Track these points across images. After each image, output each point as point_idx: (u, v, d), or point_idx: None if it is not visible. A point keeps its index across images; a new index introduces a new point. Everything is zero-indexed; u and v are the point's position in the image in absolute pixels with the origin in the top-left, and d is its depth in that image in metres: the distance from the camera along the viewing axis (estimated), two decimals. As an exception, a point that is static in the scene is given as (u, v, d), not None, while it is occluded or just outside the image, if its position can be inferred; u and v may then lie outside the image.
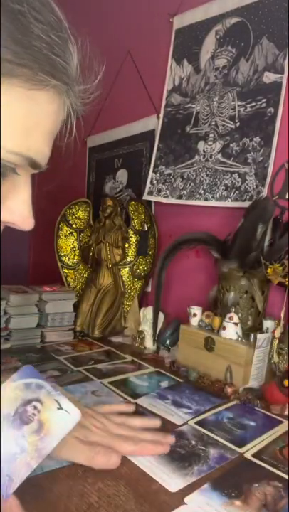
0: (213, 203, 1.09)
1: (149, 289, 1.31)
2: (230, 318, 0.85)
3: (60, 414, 0.42)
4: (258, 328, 0.89)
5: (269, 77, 0.99)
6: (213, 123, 1.11)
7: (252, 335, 0.82)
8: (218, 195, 1.08)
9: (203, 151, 1.13)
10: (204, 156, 1.13)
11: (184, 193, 1.16)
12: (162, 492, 0.48)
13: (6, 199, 0.34)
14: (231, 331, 0.85)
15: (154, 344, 1.05)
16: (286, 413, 0.71)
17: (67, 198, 1.38)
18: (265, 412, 0.72)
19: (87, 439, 0.52)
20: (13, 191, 0.34)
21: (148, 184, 1.26)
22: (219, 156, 1.09)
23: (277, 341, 0.83)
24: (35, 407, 0.42)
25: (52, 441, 0.41)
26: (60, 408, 0.42)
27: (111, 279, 1.24)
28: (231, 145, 1.06)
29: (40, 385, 0.43)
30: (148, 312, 1.08)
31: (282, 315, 0.83)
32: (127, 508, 0.45)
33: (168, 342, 1.04)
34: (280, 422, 0.69)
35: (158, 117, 1.27)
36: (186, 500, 0.47)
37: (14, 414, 0.41)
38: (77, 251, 1.37)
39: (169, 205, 1.22)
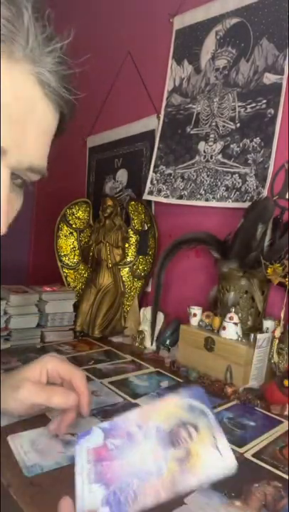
0: (213, 203, 1.09)
1: (149, 289, 1.31)
2: (230, 318, 0.85)
3: (213, 456, 0.35)
4: (258, 328, 0.89)
5: (269, 78, 0.99)
6: (213, 124, 1.12)
7: (252, 335, 0.82)
8: (218, 196, 1.08)
9: (204, 151, 1.13)
10: (205, 156, 1.13)
11: (184, 193, 1.16)
12: (162, 492, 0.48)
13: None
14: (231, 331, 0.85)
15: (152, 344, 1.05)
16: (286, 413, 0.71)
17: (67, 198, 1.38)
18: (265, 412, 0.72)
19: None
20: None
21: (148, 184, 1.26)
22: (220, 156, 1.09)
23: (277, 341, 0.83)
24: (189, 434, 0.37)
25: (192, 480, 0.34)
26: (216, 448, 0.35)
27: (111, 279, 1.24)
28: (232, 146, 1.07)
29: (204, 412, 0.38)
30: (148, 312, 1.08)
31: (282, 315, 0.83)
32: (127, 508, 0.45)
33: (168, 342, 1.04)
34: (280, 422, 0.69)
35: (158, 117, 1.27)
36: (186, 500, 0.47)
37: (168, 432, 0.37)
38: (77, 251, 1.37)
39: (169, 205, 1.22)
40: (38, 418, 0.63)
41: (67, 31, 0.32)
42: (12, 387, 0.55)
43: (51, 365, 0.58)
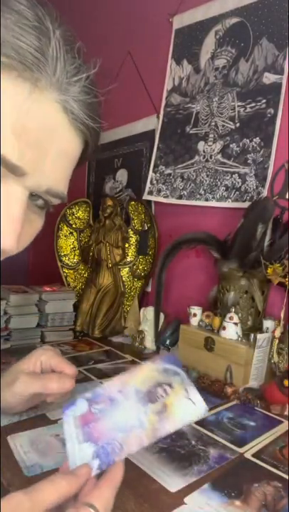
0: (213, 203, 1.09)
1: (149, 289, 1.31)
2: (230, 318, 0.85)
3: (186, 403, 0.42)
4: (258, 328, 0.89)
5: (269, 77, 0.99)
6: (213, 123, 1.11)
7: (252, 335, 0.82)
8: (218, 196, 1.08)
9: (203, 151, 1.13)
10: (204, 156, 1.13)
11: (184, 193, 1.16)
12: (162, 492, 0.48)
13: None
14: (231, 331, 0.85)
15: (154, 344, 1.05)
16: (286, 413, 0.71)
17: (67, 198, 1.38)
18: (265, 412, 0.72)
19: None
20: (3, 204, 0.32)
21: (148, 184, 1.26)
22: (219, 156, 1.09)
23: (277, 341, 0.83)
24: (165, 390, 0.43)
25: (169, 426, 0.41)
26: (188, 398, 0.42)
27: (111, 279, 1.24)
28: (231, 145, 1.07)
29: (177, 372, 0.44)
30: (148, 312, 1.08)
31: (282, 315, 0.83)
32: (127, 508, 0.45)
33: (168, 342, 1.04)
34: (280, 422, 0.69)
35: (158, 117, 1.27)
36: (186, 500, 0.47)
37: (145, 392, 0.43)
38: (77, 251, 1.37)
39: (169, 205, 1.22)
40: (38, 418, 0.63)
41: (93, 61, 0.33)
42: (8, 383, 0.57)
43: (45, 357, 0.60)
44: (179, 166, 1.19)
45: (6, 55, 0.28)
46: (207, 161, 1.12)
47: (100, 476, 0.39)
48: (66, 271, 1.37)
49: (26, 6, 0.30)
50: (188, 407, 0.42)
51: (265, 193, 0.98)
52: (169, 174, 1.21)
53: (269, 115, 0.99)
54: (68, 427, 0.42)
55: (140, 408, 0.42)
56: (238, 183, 1.04)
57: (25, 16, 0.29)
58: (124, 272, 1.28)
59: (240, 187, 1.04)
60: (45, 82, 0.30)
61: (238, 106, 1.06)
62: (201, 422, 0.66)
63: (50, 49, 0.30)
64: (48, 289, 1.15)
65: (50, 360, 0.60)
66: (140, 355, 1.00)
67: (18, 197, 0.32)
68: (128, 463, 0.53)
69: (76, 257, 1.37)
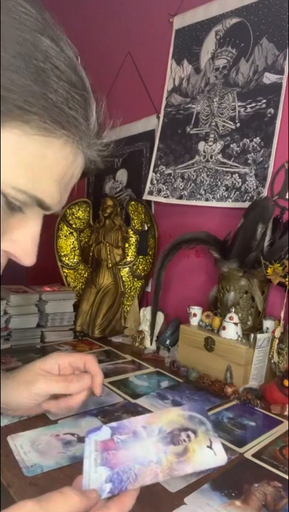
0: (213, 203, 1.09)
1: (149, 289, 1.31)
2: (230, 318, 0.85)
3: (207, 452, 0.43)
4: (258, 328, 0.89)
5: (269, 77, 0.99)
6: (213, 123, 1.12)
7: (252, 335, 0.82)
8: (218, 196, 1.08)
9: (204, 151, 1.13)
10: (204, 156, 1.13)
11: (184, 193, 1.16)
12: (162, 492, 0.48)
13: (13, 230, 0.37)
14: (231, 331, 0.85)
15: (151, 344, 1.05)
16: (286, 413, 0.71)
17: (67, 198, 1.38)
18: (265, 412, 0.72)
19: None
20: (22, 225, 0.37)
21: (148, 184, 1.26)
22: (219, 156, 1.09)
23: (277, 341, 0.83)
24: (188, 436, 0.44)
25: (187, 468, 0.42)
26: (210, 447, 0.43)
27: (111, 279, 1.24)
28: (231, 146, 1.07)
29: (203, 422, 0.46)
30: (148, 312, 1.08)
31: (282, 315, 0.84)
32: (127, 508, 0.45)
33: (168, 342, 1.04)
34: (280, 422, 0.69)
35: (158, 117, 1.27)
36: (186, 500, 0.47)
37: (168, 433, 0.44)
38: (77, 251, 1.37)
39: (169, 205, 1.22)
40: (38, 418, 0.63)
41: (100, 101, 0.38)
42: (25, 383, 0.57)
43: (61, 359, 0.61)
44: (180, 166, 1.19)
45: (62, 126, 0.34)
46: (207, 161, 1.12)
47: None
48: (66, 271, 1.37)
49: (72, 70, 0.34)
50: (208, 456, 0.43)
51: (265, 193, 0.98)
52: (170, 174, 1.21)
53: (269, 115, 0.99)
54: (89, 447, 0.43)
55: (161, 447, 0.43)
56: (238, 183, 1.04)
57: (74, 83, 0.34)
58: (124, 272, 1.28)
59: (240, 187, 1.04)
60: (83, 142, 0.37)
61: (239, 106, 1.06)
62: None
63: (92, 117, 0.36)
64: (48, 289, 1.15)
65: (67, 359, 0.61)
66: (140, 355, 1.00)
67: (38, 222, 0.38)
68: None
69: (76, 257, 1.37)
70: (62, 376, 0.59)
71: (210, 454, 0.43)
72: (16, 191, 0.33)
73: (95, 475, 0.40)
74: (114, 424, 0.45)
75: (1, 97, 0.30)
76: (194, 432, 0.45)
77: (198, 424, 0.46)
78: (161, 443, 0.43)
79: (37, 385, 0.56)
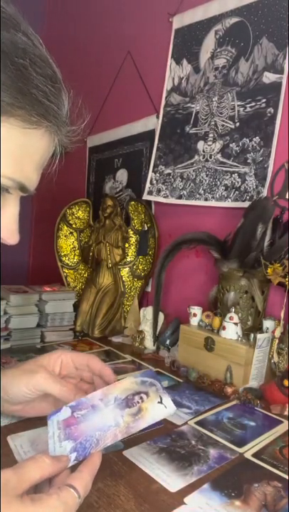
0: (213, 203, 1.09)
1: (149, 289, 1.31)
2: (230, 318, 0.85)
3: (158, 406, 0.49)
4: (258, 328, 0.89)
5: (269, 77, 0.99)
6: (212, 123, 1.11)
7: (252, 335, 0.82)
8: (218, 196, 1.08)
9: (203, 151, 1.13)
10: (204, 156, 1.13)
11: (183, 193, 1.16)
12: (162, 492, 0.48)
13: None
14: (231, 331, 0.85)
15: (154, 344, 1.05)
16: (286, 413, 0.71)
17: (67, 198, 1.38)
18: (265, 412, 0.72)
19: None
20: (3, 209, 0.41)
21: (148, 184, 1.26)
22: (219, 156, 1.09)
23: (277, 341, 0.83)
24: (141, 398, 0.50)
25: (142, 424, 0.47)
26: (161, 402, 0.49)
27: (111, 279, 1.24)
28: (231, 145, 1.06)
29: (153, 383, 0.52)
30: (148, 312, 1.08)
31: (282, 315, 0.83)
32: (126, 508, 0.45)
33: (168, 342, 1.04)
34: (280, 422, 0.69)
35: (157, 117, 1.27)
36: (186, 500, 0.47)
37: (123, 399, 0.49)
38: (77, 251, 1.37)
39: (169, 205, 1.22)
40: (38, 418, 0.63)
41: (71, 94, 0.41)
42: (26, 372, 0.57)
43: (65, 356, 0.61)
44: (179, 165, 1.19)
45: (45, 118, 0.38)
46: (207, 160, 1.12)
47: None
48: (66, 271, 1.37)
49: (46, 64, 0.37)
50: (160, 409, 0.49)
51: (265, 192, 0.98)
52: (169, 174, 1.21)
53: (269, 115, 0.99)
54: (52, 429, 0.46)
55: (118, 412, 0.48)
56: (238, 182, 1.04)
57: (50, 76, 0.37)
58: (124, 272, 1.28)
59: (239, 187, 1.04)
60: (59, 131, 0.41)
61: (238, 105, 1.06)
62: (201, 422, 0.66)
63: (65, 107, 0.40)
64: (48, 289, 1.15)
65: (71, 358, 0.60)
66: (140, 355, 1.00)
67: (18, 204, 0.42)
68: (128, 463, 0.53)
69: (76, 257, 1.37)
70: (62, 379, 0.58)
71: (161, 407, 0.49)
72: (7, 179, 0.38)
73: (60, 449, 0.44)
74: (73, 403, 0.49)
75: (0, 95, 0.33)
76: (146, 394, 0.50)
77: (148, 386, 0.51)
78: (118, 408, 0.48)
79: (37, 375, 0.55)
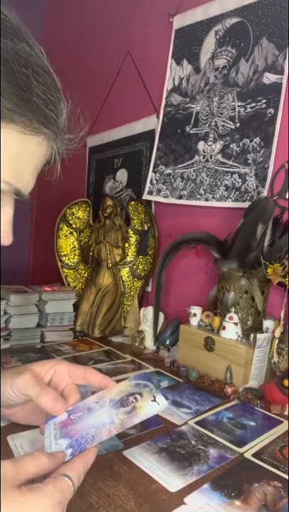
0: (213, 203, 1.09)
1: (149, 289, 1.31)
2: (230, 318, 0.85)
3: (151, 404, 0.50)
4: (258, 328, 0.89)
5: (269, 77, 0.99)
6: (213, 123, 1.11)
7: (252, 335, 0.82)
8: (218, 196, 1.08)
9: (203, 151, 1.13)
10: (204, 156, 1.13)
11: (184, 193, 1.16)
12: (162, 492, 0.48)
13: None
14: (231, 331, 0.85)
15: (154, 344, 1.05)
16: (286, 413, 0.71)
17: (67, 198, 1.38)
18: (265, 412, 0.72)
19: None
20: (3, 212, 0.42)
21: (148, 184, 1.26)
22: (219, 156, 1.09)
23: (277, 341, 0.83)
24: (135, 398, 0.51)
25: (136, 419, 0.48)
26: (154, 400, 0.50)
27: (111, 279, 1.24)
28: (231, 145, 1.07)
29: (147, 385, 0.53)
30: (148, 312, 1.08)
31: (282, 315, 0.84)
32: (126, 508, 0.45)
33: (168, 342, 1.04)
34: (280, 422, 0.69)
35: (158, 117, 1.27)
36: (186, 500, 0.47)
37: (118, 400, 0.51)
38: (77, 251, 1.37)
39: (169, 205, 1.22)
40: (38, 418, 0.63)
41: (69, 104, 0.43)
42: (15, 373, 0.54)
43: (60, 366, 0.56)
44: (179, 165, 1.19)
45: (45, 126, 0.39)
46: (207, 160, 1.12)
47: None
48: (66, 271, 1.37)
49: (47, 74, 0.39)
50: (153, 406, 0.50)
51: (265, 193, 0.98)
52: (169, 174, 1.21)
53: (269, 115, 0.99)
54: (48, 430, 0.47)
55: (113, 411, 0.49)
56: (238, 183, 1.04)
57: (49, 85, 0.38)
58: (124, 272, 1.28)
59: (240, 187, 1.04)
60: (56, 138, 0.42)
61: (238, 106, 1.06)
62: (201, 422, 0.66)
63: (63, 115, 0.42)
64: (48, 289, 1.15)
65: (67, 368, 0.55)
66: (140, 355, 1.00)
67: (12, 206, 0.43)
68: (128, 463, 0.53)
69: (76, 257, 1.37)
70: (45, 385, 0.53)
71: (154, 404, 0.50)
72: (5, 184, 0.39)
73: (56, 446, 0.45)
74: (69, 408, 0.50)
75: (0, 101, 0.34)
76: (140, 394, 0.51)
77: (142, 387, 0.53)
78: (113, 408, 0.49)
79: (19, 377, 0.52)
